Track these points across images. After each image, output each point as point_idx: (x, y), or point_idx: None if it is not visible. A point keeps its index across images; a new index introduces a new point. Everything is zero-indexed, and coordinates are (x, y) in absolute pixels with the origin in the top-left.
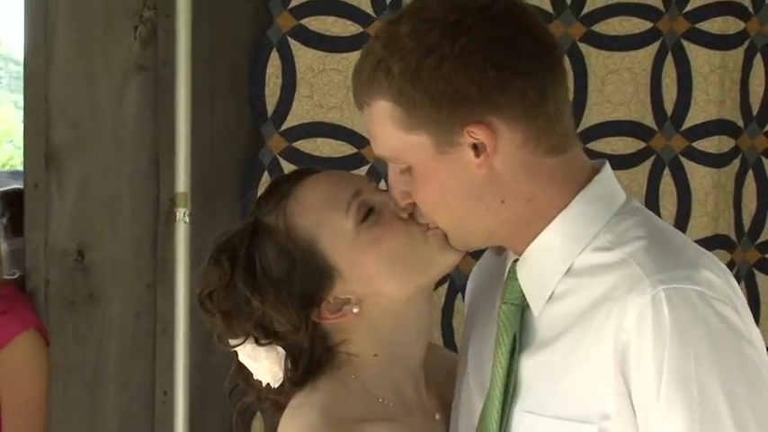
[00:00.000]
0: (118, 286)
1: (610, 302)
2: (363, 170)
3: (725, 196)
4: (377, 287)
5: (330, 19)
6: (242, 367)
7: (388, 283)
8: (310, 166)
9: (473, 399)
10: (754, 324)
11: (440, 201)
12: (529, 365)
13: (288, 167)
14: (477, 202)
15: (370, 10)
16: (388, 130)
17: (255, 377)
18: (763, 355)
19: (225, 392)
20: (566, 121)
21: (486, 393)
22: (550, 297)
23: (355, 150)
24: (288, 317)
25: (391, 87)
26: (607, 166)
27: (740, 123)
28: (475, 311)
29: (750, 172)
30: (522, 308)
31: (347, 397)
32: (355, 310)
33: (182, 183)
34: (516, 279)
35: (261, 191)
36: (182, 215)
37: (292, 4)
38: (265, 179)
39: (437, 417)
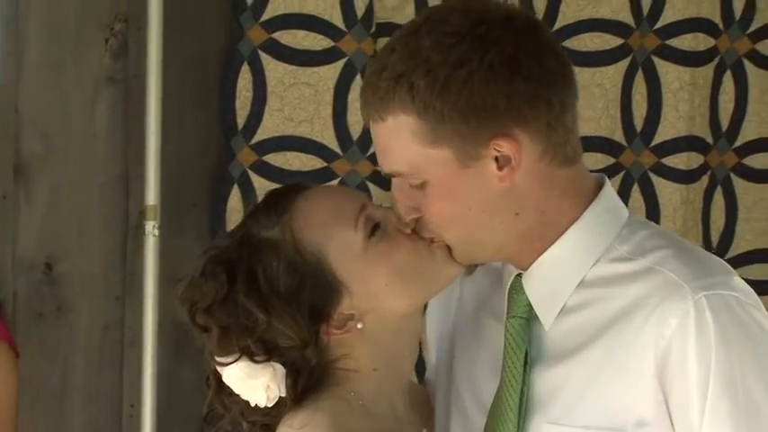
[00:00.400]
0: (86, 299)
1: (644, 310)
2: (333, 184)
3: (693, 212)
4: (383, 302)
5: (301, 33)
6: (222, 387)
7: (396, 297)
8: (303, 182)
9: (471, 417)
10: None
11: (454, 215)
12: (546, 378)
13: (258, 181)
14: (493, 215)
15: (341, 24)
16: (407, 144)
17: (243, 397)
18: None
19: (192, 405)
20: (577, 133)
21: (490, 410)
22: (562, 309)
23: (325, 164)
24: (297, 332)
25: (416, 102)
26: (607, 179)
27: (709, 140)
28: (452, 328)
29: (719, 188)
30: (530, 321)
31: (350, 416)
32: (359, 326)
33: (151, 196)
34: (523, 292)
35: (230, 204)
36: (151, 228)
37: (264, 18)
38: (235, 192)
39: (424, 431)
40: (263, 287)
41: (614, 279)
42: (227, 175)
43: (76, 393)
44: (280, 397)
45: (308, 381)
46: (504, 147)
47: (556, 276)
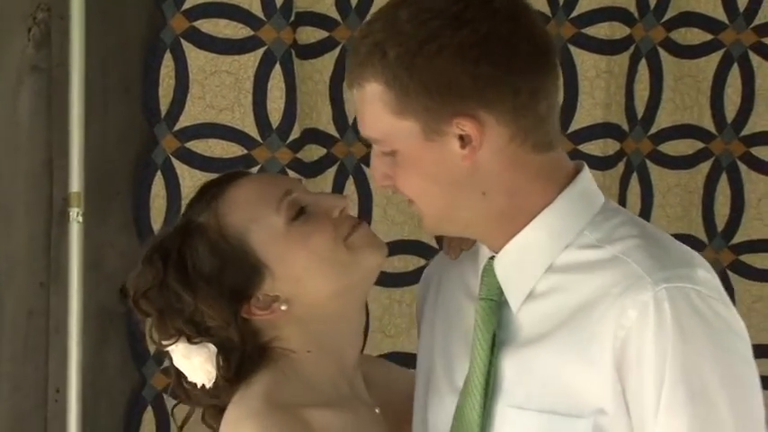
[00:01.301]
0: (11, 286)
1: (606, 300)
2: (253, 171)
3: (610, 198)
4: (305, 285)
5: (222, 21)
6: (179, 375)
7: (316, 281)
8: (241, 170)
9: (446, 399)
10: (740, 317)
11: (421, 187)
12: (512, 362)
13: (180, 167)
14: (458, 192)
15: (260, 14)
16: (378, 112)
17: (190, 379)
18: (750, 349)
19: (117, 390)
20: (554, 121)
21: (461, 391)
22: (530, 294)
23: (245, 152)
24: (218, 312)
25: (385, 71)
26: (586, 166)
27: (625, 127)
28: (435, 311)
29: (635, 174)
30: (500, 304)
31: (286, 385)
32: (283, 308)
33: (75, 183)
34: (494, 275)
35: (154, 191)
36: (75, 215)
37: (185, 6)
38: (158, 179)
39: (377, 410)
40: (189, 270)
41: (582, 266)
42: (150, 162)
43: (2, 380)
44: (219, 377)
45: (241, 360)
46: (467, 126)
47: (525, 260)
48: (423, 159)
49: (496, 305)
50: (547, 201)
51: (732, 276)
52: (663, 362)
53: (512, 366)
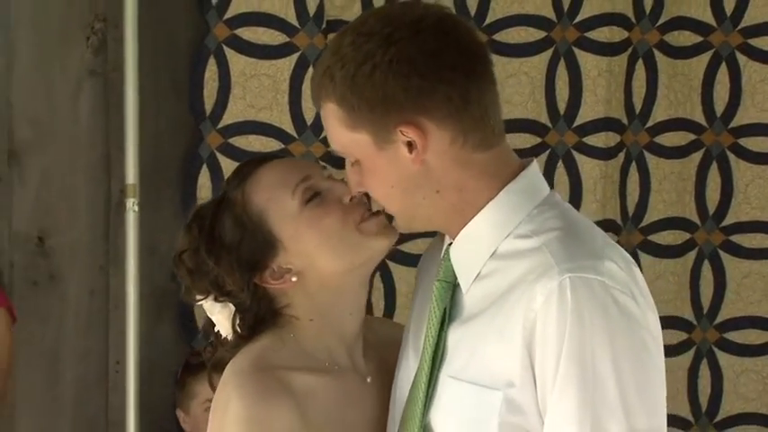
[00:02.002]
0: (75, 268)
1: (523, 285)
2: None
3: (612, 186)
4: (315, 261)
5: (260, 29)
6: (211, 324)
7: (326, 258)
8: (274, 153)
9: (411, 365)
10: (653, 312)
11: (385, 191)
12: (455, 336)
13: (224, 161)
14: (415, 191)
15: (295, 22)
16: (336, 128)
17: (216, 329)
18: (658, 341)
19: (170, 361)
20: (493, 120)
21: (419, 359)
22: (477, 276)
23: (283, 146)
24: (234, 278)
25: (335, 91)
26: (534, 163)
27: (624, 121)
28: (417, 289)
29: (633, 164)
30: (454, 285)
31: (281, 349)
32: (294, 279)
33: (131, 175)
34: (450, 260)
35: (200, 182)
36: (131, 205)
37: (227, 16)
38: (204, 171)
39: (368, 380)
40: (216, 238)
41: (514, 254)
42: (197, 157)
43: (68, 353)
44: (253, 324)
45: (254, 321)
46: (410, 133)
47: (473, 247)
48: (380, 166)
49: (450, 286)
50: (491, 195)
51: (723, 255)
52: (561, 342)
53: (454, 339)
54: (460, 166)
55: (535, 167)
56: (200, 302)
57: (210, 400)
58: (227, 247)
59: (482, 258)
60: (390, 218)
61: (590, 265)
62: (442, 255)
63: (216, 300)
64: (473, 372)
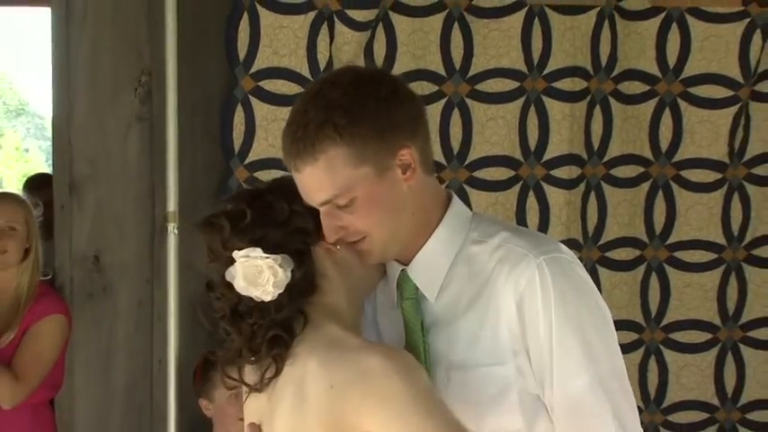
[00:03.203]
0: (124, 282)
1: (502, 274)
2: None
3: (574, 210)
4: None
5: (280, 81)
6: (235, 311)
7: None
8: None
9: None
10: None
11: (377, 218)
12: (442, 338)
13: None
14: (400, 214)
15: (308, 75)
16: (338, 172)
17: (255, 295)
18: (599, 297)
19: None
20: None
21: None
22: (441, 286)
23: None
24: (296, 230)
25: (342, 135)
26: (453, 193)
27: (585, 156)
28: (375, 309)
29: (592, 192)
30: (418, 300)
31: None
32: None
33: (171, 204)
34: (409, 280)
35: None
36: (171, 228)
37: (252, 70)
38: None
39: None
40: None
41: (475, 257)
42: (227, 188)
43: (118, 353)
44: (281, 295)
45: (304, 274)
46: (406, 154)
47: (433, 263)
48: (378, 194)
49: (416, 301)
50: (439, 216)
51: (668, 268)
52: (549, 312)
53: (442, 341)
54: (423, 187)
55: (455, 196)
56: (243, 256)
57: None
58: (299, 210)
59: (443, 270)
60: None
61: (553, 248)
62: (395, 281)
63: (266, 251)
64: (473, 357)
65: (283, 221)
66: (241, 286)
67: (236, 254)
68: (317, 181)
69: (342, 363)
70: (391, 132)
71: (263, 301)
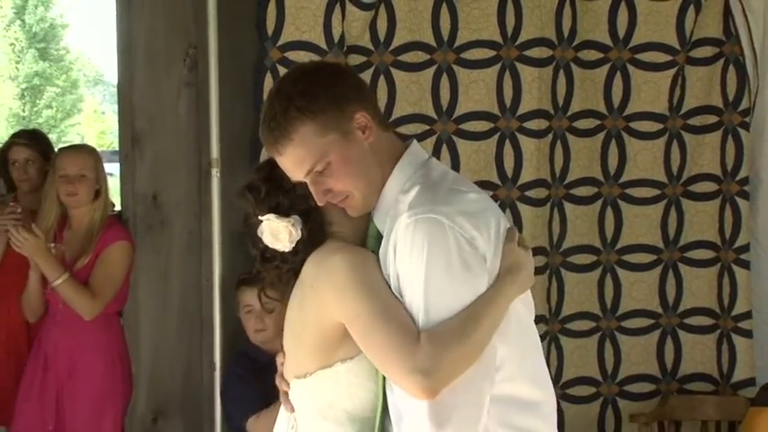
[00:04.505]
0: (177, 216)
1: (395, 221)
2: None
3: (543, 157)
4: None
5: (302, 52)
6: (264, 253)
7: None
8: None
9: None
10: (469, 242)
11: (353, 175)
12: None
13: None
14: (370, 167)
15: (325, 47)
16: (311, 144)
17: (273, 246)
18: (468, 260)
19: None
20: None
21: None
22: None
23: None
24: (304, 198)
25: (305, 112)
26: (414, 142)
27: (552, 112)
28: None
29: (558, 142)
30: (378, 239)
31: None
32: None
33: (215, 152)
34: (373, 220)
35: (262, 158)
36: (215, 172)
37: (279, 44)
38: (263, 153)
39: None
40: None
41: (397, 203)
42: (257, 141)
43: (173, 274)
44: (299, 240)
45: (313, 228)
46: (361, 117)
47: (382, 205)
48: (347, 154)
49: (376, 240)
50: (392, 167)
51: (621, 203)
52: (404, 255)
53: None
54: (382, 142)
55: (415, 145)
56: (267, 220)
57: (248, 305)
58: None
59: (387, 211)
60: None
61: (430, 210)
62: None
63: (283, 213)
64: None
65: (290, 188)
66: (268, 240)
67: (261, 218)
68: (297, 157)
69: (317, 264)
70: (345, 101)
71: (303, 238)
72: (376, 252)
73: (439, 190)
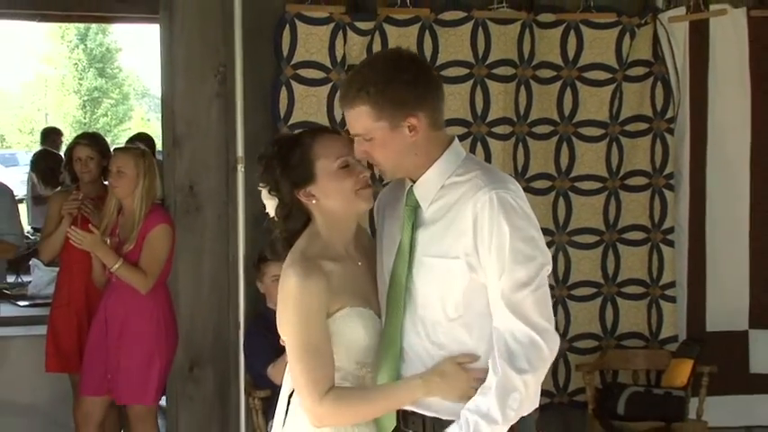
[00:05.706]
0: (210, 203)
1: (467, 197)
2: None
3: (508, 156)
4: (327, 197)
5: (311, 70)
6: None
7: (334, 201)
8: (326, 126)
9: (385, 259)
10: (532, 212)
11: (387, 155)
12: (424, 234)
13: None
14: (406, 154)
15: (329, 65)
16: (364, 120)
17: (267, 210)
18: (534, 223)
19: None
20: (441, 116)
21: (396, 252)
22: (432, 201)
23: None
24: (285, 184)
25: (369, 100)
26: (456, 139)
27: (514, 119)
28: (384, 215)
29: (520, 144)
30: (416, 208)
31: (314, 244)
32: (314, 201)
33: (240, 151)
34: (413, 194)
35: None
36: (240, 168)
37: (292, 63)
38: None
39: (359, 263)
40: (284, 157)
41: (455, 185)
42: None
43: (206, 252)
44: (285, 216)
45: (288, 213)
46: (413, 121)
47: (429, 184)
48: (390, 141)
49: (414, 209)
50: (439, 155)
51: (570, 194)
52: (492, 227)
53: (424, 236)
54: (428, 139)
55: (456, 141)
56: (261, 188)
57: (275, 275)
58: (289, 165)
59: (435, 190)
60: (374, 178)
61: (502, 186)
62: (406, 192)
63: (269, 192)
64: (441, 249)
65: (279, 174)
66: (267, 206)
67: (259, 186)
68: (354, 121)
69: (285, 265)
70: (404, 105)
71: (277, 216)
72: (410, 218)
73: (496, 174)
